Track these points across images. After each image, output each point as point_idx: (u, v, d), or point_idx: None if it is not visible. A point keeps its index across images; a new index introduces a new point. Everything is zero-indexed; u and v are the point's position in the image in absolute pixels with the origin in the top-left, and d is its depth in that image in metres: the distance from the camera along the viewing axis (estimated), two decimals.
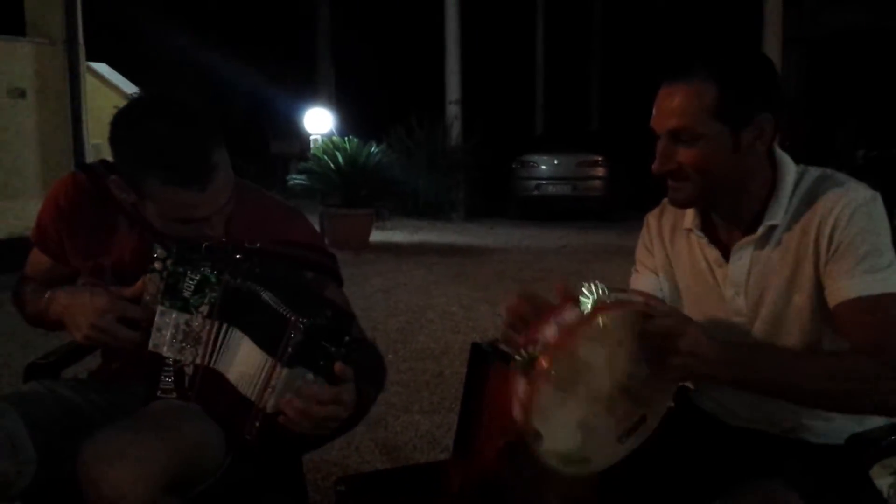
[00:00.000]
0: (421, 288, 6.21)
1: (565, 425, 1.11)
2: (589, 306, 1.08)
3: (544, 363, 1.05)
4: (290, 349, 1.27)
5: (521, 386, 1.07)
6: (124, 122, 1.37)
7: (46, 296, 1.49)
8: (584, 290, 1.11)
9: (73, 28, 7.01)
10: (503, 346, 1.50)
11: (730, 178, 1.34)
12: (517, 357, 1.08)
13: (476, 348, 1.73)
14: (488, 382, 1.68)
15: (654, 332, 1.12)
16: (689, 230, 1.47)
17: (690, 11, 17.01)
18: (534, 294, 1.20)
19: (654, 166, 1.37)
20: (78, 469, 1.22)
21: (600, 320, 1.07)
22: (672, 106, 1.32)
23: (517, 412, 1.09)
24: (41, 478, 1.36)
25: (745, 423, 1.44)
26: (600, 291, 1.10)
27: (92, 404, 1.49)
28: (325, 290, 1.53)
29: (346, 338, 1.29)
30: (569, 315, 1.08)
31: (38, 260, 1.62)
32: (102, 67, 8.92)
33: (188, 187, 1.33)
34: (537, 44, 18.32)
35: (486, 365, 1.70)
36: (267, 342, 1.31)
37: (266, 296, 1.32)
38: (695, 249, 1.47)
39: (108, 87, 8.52)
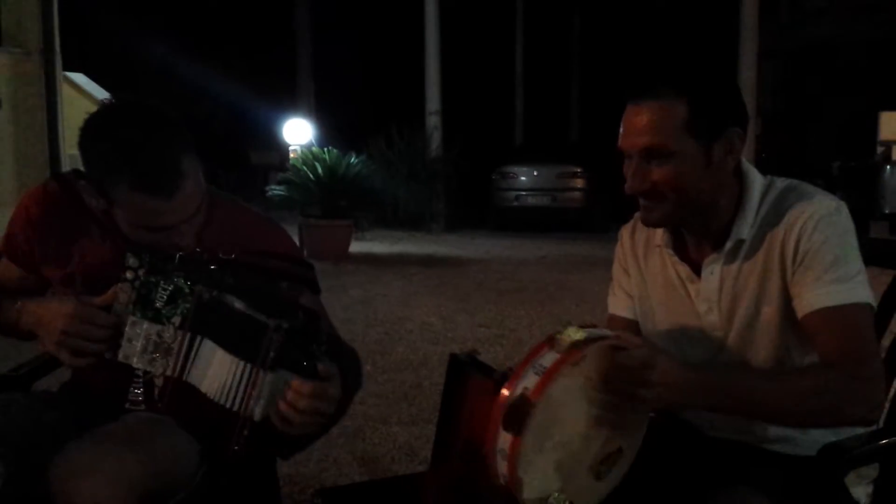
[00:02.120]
0: (400, 299, 6.20)
1: (544, 471, 1.11)
2: (563, 347, 1.09)
3: (528, 413, 1.05)
4: (271, 353, 1.26)
5: (503, 438, 1.07)
6: (93, 128, 1.36)
7: (17, 306, 1.46)
8: (559, 332, 1.11)
9: (50, 38, 6.96)
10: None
11: (703, 195, 1.34)
12: (501, 406, 1.08)
13: (454, 359, 1.71)
14: (466, 394, 1.67)
15: (626, 365, 1.11)
16: (660, 247, 1.47)
17: (668, 24, 17.22)
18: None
19: (628, 187, 1.36)
20: (50, 483, 1.21)
21: (573, 359, 1.08)
22: (643, 124, 1.31)
23: (502, 466, 1.08)
24: (10, 493, 1.33)
25: (723, 433, 1.44)
26: (572, 330, 1.11)
27: (63, 417, 1.46)
28: (300, 298, 1.51)
29: (323, 336, 1.29)
30: (544, 360, 1.08)
31: (7, 271, 1.59)
32: (79, 77, 8.84)
33: (155, 194, 1.32)
34: (517, 55, 18.44)
35: (465, 376, 1.68)
36: (244, 349, 1.29)
37: (239, 304, 1.31)
38: (667, 265, 1.47)
39: (85, 97, 8.44)
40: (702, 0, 16.43)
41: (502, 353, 4.46)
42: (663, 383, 1.13)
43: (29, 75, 6.86)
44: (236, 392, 1.29)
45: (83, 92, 8.62)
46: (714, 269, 1.39)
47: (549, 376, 1.06)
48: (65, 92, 7.30)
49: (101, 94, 8.92)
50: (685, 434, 1.49)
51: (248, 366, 1.28)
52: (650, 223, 1.40)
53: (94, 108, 1.43)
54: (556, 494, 1.12)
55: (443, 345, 4.64)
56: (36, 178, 6.59)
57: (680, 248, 1.45)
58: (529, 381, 1.07)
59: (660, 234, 1.47)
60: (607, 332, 1.17)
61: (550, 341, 1.11)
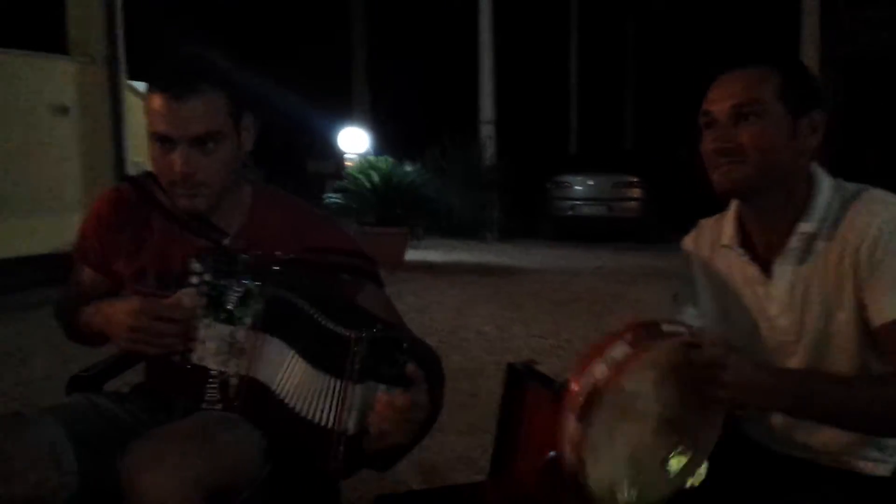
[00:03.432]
0: (455, 307, 6.20)
1: (614, 463, 1.10)
2: (636, 340, 1.08)
3: (595, 402, 1.04)
4: (357, 366, 1.28)
5: (571, 425, 1.06)
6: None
7: (89, 309, 1.51)
8: (631, 324, 1.10)
9: (114, 47, 7.18)
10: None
11: (782, 167, 1.33)
12: (570, 397, 1.07)
13: (511, 369, 1.71)
14: (524, 404, 1.66)
15: (699, 363, 1.10)
16: (728, 246, 1.44)
17: (726, 31, 16.92)
18: None
19: (709, 146, 1.35)
20: (120, 475, 1.24)
21: (647, 354, 1.06)
22: (737, 84, 1.33)
23: (568, 453, 1.08)
24: (82, 490, 1.37)
25: (786, 449, 1.40)
26: (647, 323, 1.09)
27: (134, 417, 1.50)
28: (362, 291, 1.53)
29: (405, 343, 1.31)
30: (616, 351, 1.07)
31: (80, 275, 1.65)
32: (142, 86, 9.09)
33: (164, 90, 1.39)
34: (571, 63, 18.35)
35: (522, 386, 1.68)
36: (329, 363, 1.31)
37: (316, 315, 1.33)
38: (734, 268, 1.44)
39: None
40: (762, 8, 16.13)
41: (558, 364, 4.41)
42: (737, 383, 1.11)
43: (94, 83, 7.08)
44: (327, 407, 1.30)
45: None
46: (785, 271, 1.36)
47: (620, 368, 1.05)
48: (128, 99, 7.51)
49: None
50: (746, 449, 1.45)
51: (337, 381, 1.30)
52: (726, 185, 1.36)
53: None
54: (626, 484, 1.11)
55: (498, 354, 4.62)
56: (101, 183, 6.79)
57: (748, 249, 1.42)
58: (600, 372, 1.06)
59: (728, 234, 1.44)
60: (683, 328, 1.15)
61: (623, 333, 1.10)
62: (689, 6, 17.91)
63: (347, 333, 1.29)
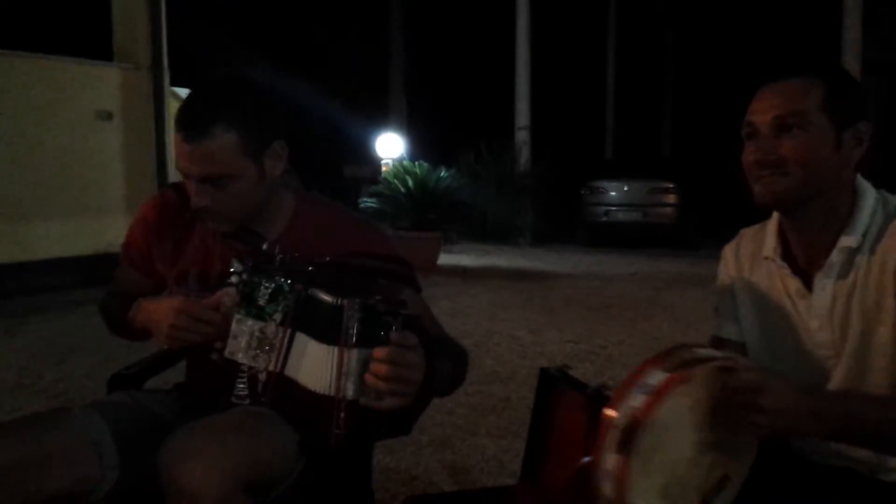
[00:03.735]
0: (488, 312, 6.21)
1: (649, 494, 1.07)
2: (672, 366, 1.06)
3: (636, 434, 1.02)
4: (352, 331, 1.32)
5: (610, 457, 1.04)
6: None
7: (134, 307, 1.56)
8: (664, 351, 1.09)
9: (158, 54, 7.33)
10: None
11: (825, 180, 1.31)
12: (609, 427, 1.05)
13: (544, 374, 1.72)
14: (557, 409, 1.67)
15: (736, 388, 1.08)
16: (769, 259, 1.43)
17: (766, 37, 16.70)
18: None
19: (751, 157, 1.33)
20: (158, 466, 1.27)
21: (683, 381, 1.05)
22: (779, 96, 1.31)
23: (607, 485, 1.06)
24: (122, 484, 1.42)
25: (830, 460, 1.38)
26: (682, 348, 1.08)
27: (174, 414, 1.54)
28: (400, 295, 1.55)
29: (400, 310, 1.33)
30: (653, 378, 1.06)
31: (125, 275, 1.70)
32: (185, 92, 9.26)
33: (179, 131, 1.44)
34: (608, 68, 18.25)
35: (555, 391, 1.68)
36: (329, 333, 1.35)
37: (324, 295, 1.37)
38: (775, 280, 1.43)
39: None
40: (802, 14, 15.89)
41: (592, 369, 4.41)
42: (776, 409, 1.09)
43: (138, 89, 7.23)
44: (328, 376, 1.34)
45: None
46: (826, 284, 1.34)
47: (657, 396, 1.03)
48: (171, 106, 7.66)
49: None
50: (789, 459, 1.44)
51: (334, 348, 1.34)
52: (768, 197, 1.34)
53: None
54: None
55: (531, 359, 4.62)
56: (144, 187, 6.93)
57: (790, 261, 1.40)
58: (637, 400, 1.04)
59: (769, 246, 1.43)
60: (718, 352, 1.14)
61: (657, 360, 1.08)
62: (729, 11, 17.72)
63: (342, 301, 1.33)
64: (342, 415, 1.33)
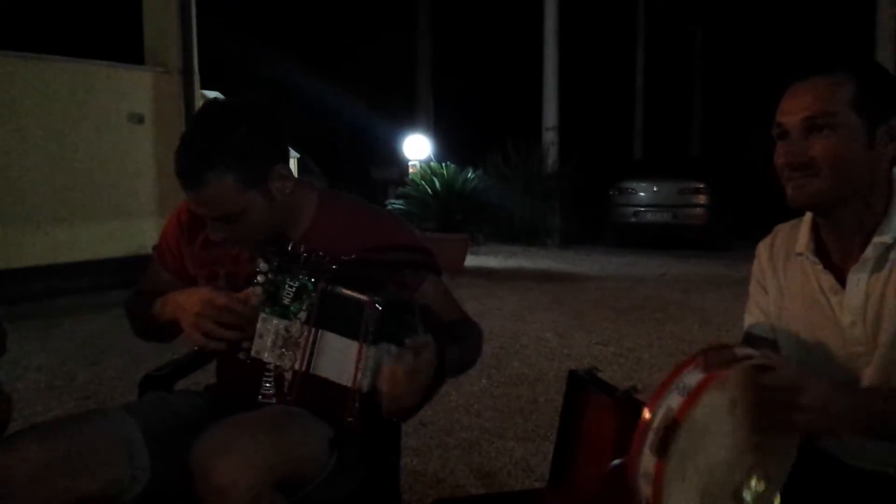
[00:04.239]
0: (515, 313, 6.19)
1: (687, 496, 1.05)
2: (709, 366, 1.05)
3: (674, 434, 1.01)
4: (370, 328, 1.35)
5: (647, 459, 1.03)
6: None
7: (161, 299, 1.58)
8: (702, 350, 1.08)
9: (189, 58, 7.40)
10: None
11: (858, 179, 1.29)
12: (645, 428, 1.04)
13: (573, 376, 1.71)
14: (586, 412, 1.66)
15: (774, 387, 1.07)
16: (802, 255, 1.41)
17: (798, 32, 16.48)
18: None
19: (781, 160, 1.32)
20: (189, 463, 1.28)
21: (720, 381, 1.03)
22: (809, 96, 1.29)
23: (643, 487, 1.04)
24: (153, 486, 1.43)
25: (863, 462, 1.36)
26: (718, 348, 1.06)
27: (205, 415, 1.55)
28: (424, 282, 1.59)
29: (416, 306, 1.38)
30: (689, 379, 1.04)
31: (156, 275, 1.72)
32: (215, 96, 9.38)
33: (178, 178, 1.46)
34: (637, 68, 18.15)
35: (584, 393, 1.67)
36: (349, 329, 1.38)
37: (345, 291, 1.40)
38: (808, 276, 1.41)
39: None
40: (835, 8, 15.66)
41: (620, 372, 4.37)
42: (814, 407, 1.08)
43: (169, 92, 7.31)
44: (348, 369, 1.38)
45: None
46: (860, 280, 1.33)
47: (694, 396, 1.02)
48: None
49: None
50: (821, 462, 1.42)
51: (354, 343, 1.37)
52: (800, 199, 1.33)
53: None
54: None
55: (559, 361, 4.60)
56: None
57: (823, 258, 1.39)
58: (674, 401, 1.03)
59: (803, 242, 1.41)
60: (754, 351, 1.12)
61: (694, 359, 1.07)
62: (759, 8, 17.51)
63: (362, 298, 1.36)
64: (357, 405, 1.37)
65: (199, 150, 1.43)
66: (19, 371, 4.07)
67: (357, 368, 1.36)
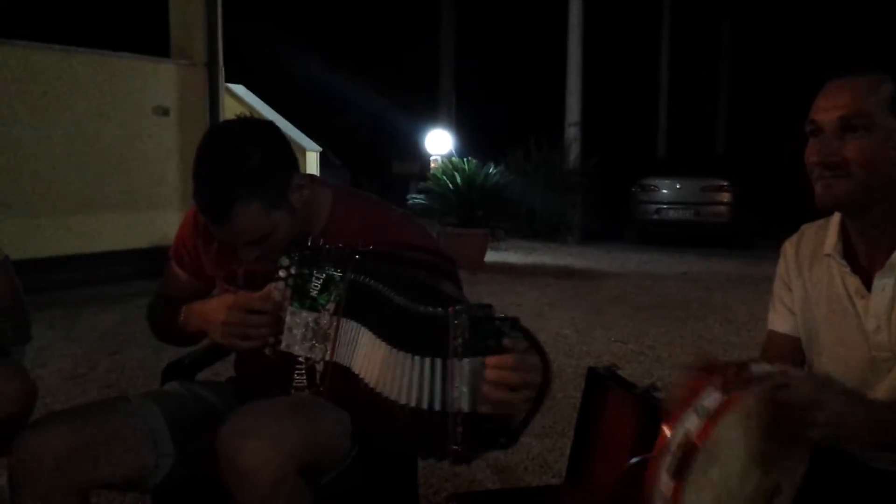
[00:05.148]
0: (534, 310, 6.17)
1: None
2: (728, 387, 1.04)
3: (691, 459, 1.01)
4: (459, 341, 1.29)
5: (664, 481, 1.03)
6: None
7: (183, 310, 1.59)
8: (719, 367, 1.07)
9: (214, 51, 7.45)
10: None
11: (889, 182, 1.27)
12: (664, 448, 1.04)
13: (592, 373, 1.70)
14: (605, 409, 1.65)
15: (790, 403, 1.06)
16: (830, 256, 1.40)
17: (829, 28, 16.24)
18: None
19: (813, 158, 1.30)
20: (216, 445, 1.29)
21: (739, 402, 1.03)
22: (845, 95, 1.27)
23: None
24: (176, 473, 1.45)
25: (886, 464, 1.35)
26: (735, 365, 1.06)
27: (228, 405, 1.56)
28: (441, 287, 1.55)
29: (499, 314, 1.31)
30: (708, 400, 1.04)
31: (174, 277, 1.72)
32: (239, 88, 9.42)
33: (205, 216, 1.48)
34: (661, 62, 17.98)
35: (603, 390, 1.67)
36: (428, 347, 1.33)
37: (399, 300, 1.36)
38: (835, 278, 1.39)
39: (244, 106, 8.98)
40: (866, 3, 15.41)
41: (640, 369, 4.35)
42: (830, 423, 1.07)
43: (194, 85, 7.37)
44: (434, 391, 1.32)
45: (243, 102, 9.18)
46: (886, 285, 1.31)
47: (713, 421, 1.02)
48: (226, 102, 7.79)
49: (259, 104, 9.49)
50: (842, 464, 1.40)
51: (439, 361, 1.32)
52: (829, 200, 1.31)
53: (251, 117, 1.57)
54: None
55: (577, 358, 4.58)
56: None
57: (851, 260, 1.37)
58: (692, 424, 1.03)
59: (830, 243, 1.39)
60: (770, 367, 1.11)
61: (712, 376, 1.06)
62: (790, 2, 17.27)
63: (444, 312, 1.31)
64: (459, 430, 1.30)
65: (220, 186, 1.43)
66: (43, 359, 4.13)
67: (450, 389, 1.30)
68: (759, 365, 1.10)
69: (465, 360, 1.28)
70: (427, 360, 1.32)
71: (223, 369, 1.81)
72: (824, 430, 1.07)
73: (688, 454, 1.01)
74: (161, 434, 1.44)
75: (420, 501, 1.90)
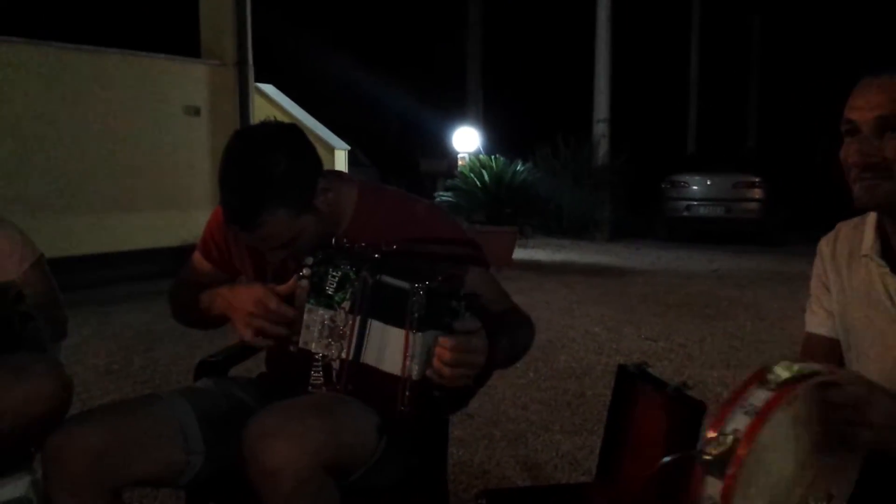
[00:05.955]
0: (563, 307, 6.15)
1: None
2: (775, 384, 1.02)
3: (740, 459, 0.98)
4: (415, 315, 1.35)
5: (713, 482, 1.00)
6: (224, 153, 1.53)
7: (209, 293, 1.60)
8: (768, 367, 1.05)
9: (244, 51, 7.52)
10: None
11: None
12: (706, 456, 1.01)
13: (623, 370, 1.69)
14: (635, 406, 1.64)
15: (840, 403, 1.04)
16: (868, 257, 1.37)
17: (862, 23, 15.96)
18: None
19: (852, 158, 1.27)
20: (242, 445, 1.31)
21: (787, 400, 1.01)
22: (883, 93, 1.24)
23: None
24: (206, 469, 1.46)
25: None
26: (782, 366, 1.04)
27: (258, 402, 1.57)
28: (468, 274, 1.57)
29: (462, 293, 1.37)
30: (755, 398, 1.02)
31: (199, 266, 1.74)
32: (269, 88, 9.48)
33: (234, 224, 1.49)
34: (692, 60, 17.79)
35: (633, 388, 1.66)
36: (395, 317, 1.38)
37: (389, 279, 1.40)
38: (874, 278, 1.36)
39: (274, 106, 9.04)
40: None
41: (670, 367, 4.32)
42: (883, 424, 1.05)
43: (224, 85, 7.44)
44: (397, 358, 1.38)
45: (272, 102, 9.25)
46: None
47: (761, 418, 0.99)
48: (256, 101, 7.86)
49: (289, 104, 9.55)
50: (889, 466, 1.37)
51: (401, 331, 1.37)
52: (868, 201, 1.29)
53: (281, 118, 1.59)
54: None
55: (607, 355, 4.56)
56: None
57: (889, 260, 1.34)
58: (739, 422, 1.00)
59: (868, 244, 1.37)
60: (818, 366, 1.08)
61: (758, 378, 1.04)
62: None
63: (407, 286, 1.36)
64: (407, 393, 1.37)
65: (247, 195, 1.44)
66: (78, 356, 4.20)
67: (405, 356, 1.37)
68: (806, 364, 1.08)
69: (420, 334, 1.35)
70: (395, 330, 1.39)
71: (254, 366, 1.83)
72: (876, 432, 1.05)
73: (738, 452, 0.99)
74: (192, 430, 1.45)
75: (450, 498, 1.90)
